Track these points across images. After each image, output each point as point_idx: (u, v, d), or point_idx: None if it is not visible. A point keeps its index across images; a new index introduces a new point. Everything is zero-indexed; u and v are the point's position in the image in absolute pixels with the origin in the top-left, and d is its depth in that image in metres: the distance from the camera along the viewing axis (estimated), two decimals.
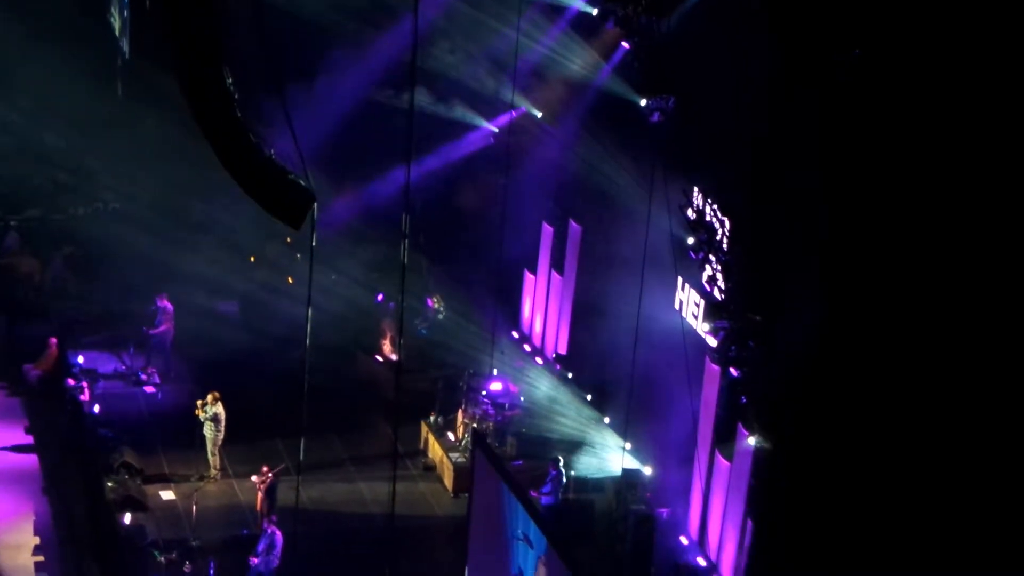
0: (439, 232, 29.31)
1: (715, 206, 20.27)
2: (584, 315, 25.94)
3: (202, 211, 29.38)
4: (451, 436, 24.53)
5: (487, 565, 20.13)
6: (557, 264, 27.44)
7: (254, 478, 22.13)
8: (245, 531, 21.75)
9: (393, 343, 27.19)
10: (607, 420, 24.47)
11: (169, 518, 22.20)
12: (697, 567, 21.32)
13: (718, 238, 20.18)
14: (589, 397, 25.36)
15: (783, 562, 18.56)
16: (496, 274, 24.56)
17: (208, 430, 23.31)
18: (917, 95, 15.99)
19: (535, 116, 27.15)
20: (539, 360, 27.52)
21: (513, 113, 26.13)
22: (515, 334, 28.41)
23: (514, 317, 28.74)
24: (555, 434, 24.38)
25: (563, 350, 27.25)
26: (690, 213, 20.68)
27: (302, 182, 12.60)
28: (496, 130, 28.83)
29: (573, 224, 26.65)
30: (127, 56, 30.82)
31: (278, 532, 20.39)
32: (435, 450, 24.62)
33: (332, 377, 24.17)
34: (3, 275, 29.58)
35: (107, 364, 26.74)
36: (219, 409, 23.25)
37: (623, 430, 22.59)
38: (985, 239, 15.62)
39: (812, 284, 17.94)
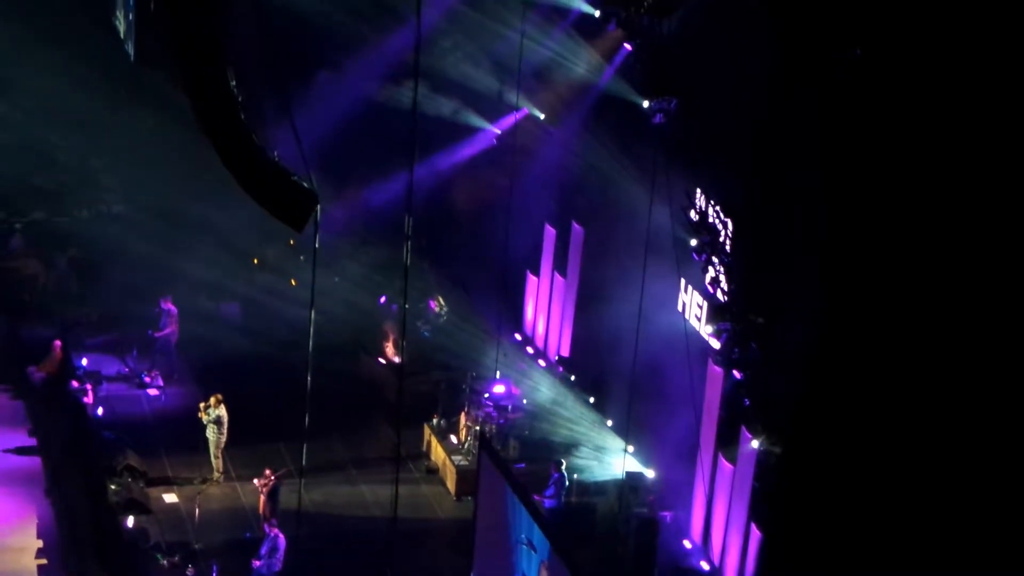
0: (441, 234, 29.30)
1: (718, 208, 20.26)
2: (587, 317, 25.92)
3: (205, 214, 29.36)
4: (454, 439, 24.51)
5: (492, 569, 20.10)
6: (560, 266, 27.42)
7: (256, 481, 22.13)
8: (248, 534, 21.75)
9: (396, 345, 27.17)
10: (610, 423, 24.44)
11: (172, 521, 22.20)
12: (700, 571, 21.29)
13: (721, 240, 20.17)
14: (592, 399, 25.34)
15: (790, 566, 18.55)
16: (499, 276, 24.55)
17: (211, 433, 23.31)
18: (916, 93, 15.99)
19: (538, 118, 27.14)
20: (541, 362, 27.50)
21: (516, 115, 26.12)
22: (518, 336, 28.40)
23: (517, 319, 28.73)
24: (557, 437, 24.35)
25: (566, 352, 27.23)
26: (693, 215, 20.67)
27: (305, 184, 12.61)
28: (499, 132, 28.83)
29: (576, 226, 26.63)
30: (132, 58, 30.82)
31: (281, 535, 20.38)
32: (438, 453, 24.60)
33: (335, 379, 24.09)
34: (7, 277, 29.62)
35: (111, 366, 26.75)
36: (222, 412, 23.26)
37: (625, 432, 22.57)
38: (986, 239, 15.61)
39: (814, 285, 17.94)
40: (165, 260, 28.54)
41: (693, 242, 20.60)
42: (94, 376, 25.85)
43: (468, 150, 29.48)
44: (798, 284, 18.54)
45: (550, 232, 27.71)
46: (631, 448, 23.10)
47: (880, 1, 16.45)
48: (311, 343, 13.97)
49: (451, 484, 23.89)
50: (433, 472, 24.49)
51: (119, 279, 28.68)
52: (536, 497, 21.40)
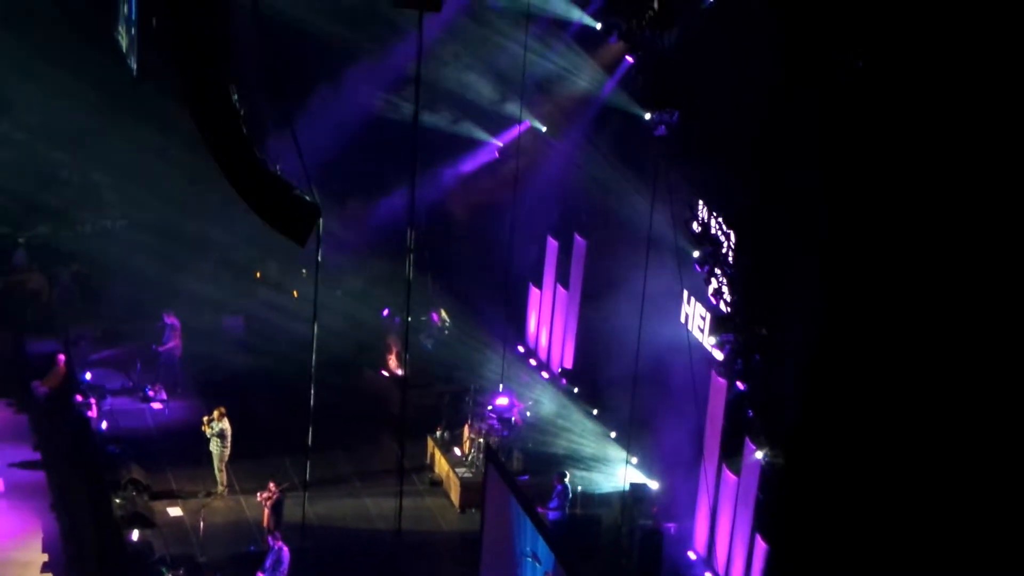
0: (444, 246, 29.33)
1: (720, 219, 20.28)
2: (590, 329, 25.93)
3: (207, 228, 29.42)
4: (457, 451, 24.51)
5: None
6: (562, 278, 27.43)
7: (258, 496, 22.16)
8: (252, 547, 21.73)
9: (399, 358, 27.18)
10: (613, 434, 24.43)
11: (176, 534, 22.19)
12: None
13: (723, 251, 20.18)
14: (595, 411, 25.33)
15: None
16: (503, 288, 24.55)
17: (214, 446, 23.32)
18: (918, 104, 16.00)
19: (540, 130, 27.18)
20: (544, 374, 27.50)
21: (518, 127, 26.16)
22: (520, 348, 28.40)
23: (519, 331, 28.73)
24: (561, 449, 24.34)
25: (568, 364, 27.22)
26: (695, 226, 20.68)
27: (307, 197, 12.62)
28: (501, 144, 28.88)
29: (578, 238, 26.66)
30: (134, 74, 30.91)
31: (285, 548, 20.38)
32: (441, 465, 24.60)
33: (338, 392, 24.14)
34: (11, 292, 29.68)
35: (114, 381, 26.76)
36: (225, 425, 23.27)
37: (629, 444, 22.57)
38: (990, 251, 15.61)
39: (817, 297, 17.94)
40: (168, 274, 28.59)
41: (696, 253, 20.61)
42: (98, 390, 25.86)
43: (470, 163, 29.54)
44: (801, 295, 18.54)
45: (552, 244, 27.73)
46: (634, 460, 23.09)
47: (879, 7, 16.47)
48: (314, 356, 13.99)
49: (455, 496, 23.88)
50: (437, 484, 24.48)
51: (122, 294, 28.73)
52: (540, 509, 21.38)
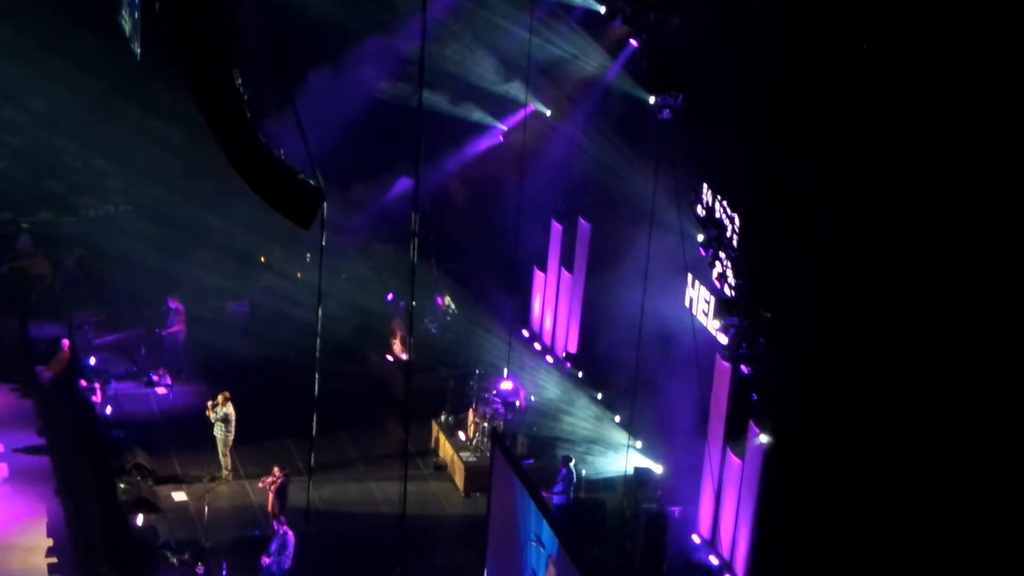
0: (448, 231, 29.30)
1: (724, 203, 20.23)
2: (594, 313, 25.91)
3: (211, 213, 29.42)
4: (462, 435, 24.52)
5: (504, 566, 20.11)
6: (567, 262, 27.41)
7: (260, 484, 22.22)
8: (257, 532, 21.78)
9: (403, 342, 27.18)
10: (617, 419, 24.43)
11: (181, 519, 22.23)
12: (710, 565, 21.28)
13: (728, 235, 20.14)
14: (599, 396, 25.33)
15: (788, 560, 18.54)
16: (507, 272, 24.52)
17: (219, 431, 23.33)
18: (920, 86, 15.97)
19: (544, 114, 27.13)
20: (549, 358, 27.50)
21: (523, 111, 26.13)
22: (525, 332, 28.40)
23: (524, 315, 28.72)
24: (565, 433, 24.35)
25: (573, 348, 27.21)
26: (700, 210, 20.64)
27: (311, 182, 12.60)
28: (505, 128, 28.83)
29: (582, 222, 26.62)
30: (138, 58, 30.86)
31: (290, 532, 20.40)
32: (446, 449, 24.62)
33: (342, 377, 24.13)
34: (15, 277, 29.70)
35: (119, 365, 26.77)
36: (230, 409, 23.28)
37: (633, 428, 22.57)
38: (988, 236, 15.58)
39: (822, 280, 17.92)
40: (172, 259, 28.59)
41: (700, 237, 20.57)
42: (102, 375, 25.87)
43: (474, 147, 29.49)
44: (806, 279, 18.52)
45: (557, 228, 27.71)
46: (638, 443, 23.09)
47: (881, 3, 16.45)
48: (318, 341, 13.98)
49: (459, 480, 23.90)
50: (441, 469, 24.51)
51: (126, 278, 28.74)
52: (544, 493, 21.40)
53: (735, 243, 20.07)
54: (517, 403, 24.55)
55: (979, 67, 15.38)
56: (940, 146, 15.86)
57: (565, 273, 27.47)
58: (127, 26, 31.92)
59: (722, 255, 20.21)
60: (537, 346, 28.13)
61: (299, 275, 29.30)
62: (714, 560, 21.23)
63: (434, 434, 25.08)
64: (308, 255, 29.08)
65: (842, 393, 17.52)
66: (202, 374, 26.68)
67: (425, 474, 24.27)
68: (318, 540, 20.77)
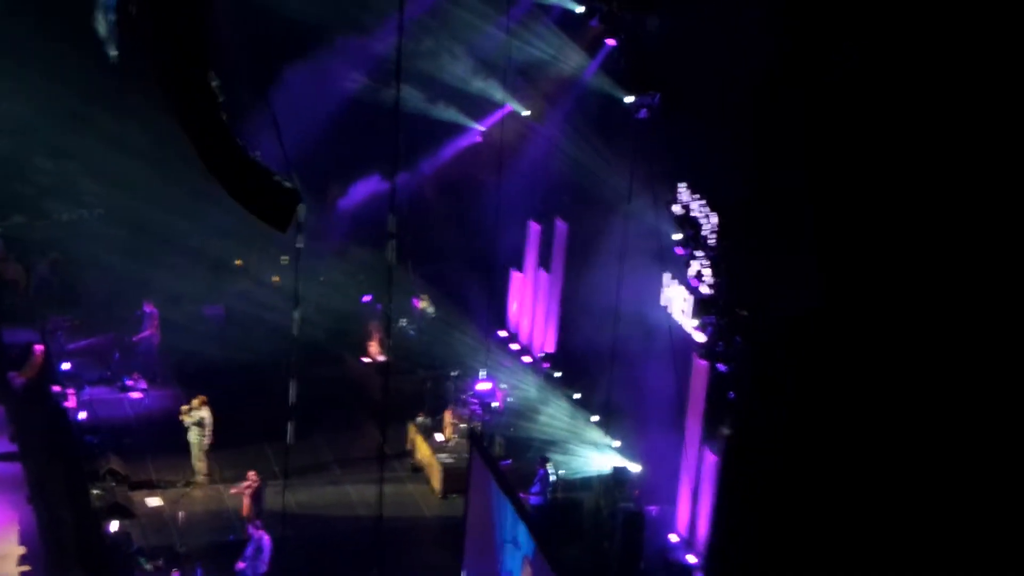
0: (425, 232, 29.23)
1: (701, 202, 20.23)
2: (571, 313, 25.89)
3: (187, 216, 29.25)
4: (439, 437, 24.44)
5: (481, 566, 20.07)
6: (544, 262, 27.37)
7: (233, 491, 22.11)
8: (232, 536, 21.63)
9: (380, 344, 27.09)
10: (595, 418, 24.41)
11: (155, 524, 22.07)
12: (687, 564, 21.27)
13: (704, 234, 20.14)
14: (577, 396, 25.30)
15: (759, 559, 18.54)
16: (484, 273, 24.44)
17: (194, 435, 23.19)
18: (903, 86, 15.98)
19: (521, 114, 27.09)
20: (526, 359, 27.45)
21: (500, 111, 26.10)
22: (502, 333, 28.34)
23: (501, 316, 28.67)
24: (543, 433, 24.32)
25: (550, 349, 27.19)
26: (676, 209, 20.63)
27: (287, 183, 12.49)
28: (483, 129, 28.77)
29: (559, 222, 26.59)
30: (113, 60, 30.64)
31: (266, 536, 20.28)
32: (423, 451, 24.53)
33: (319, 379, 24.06)
34: None
35: (92, 370, 26.60)
36: (205, 413, 23.13)
37: (610, 428, 22.55)
38: (973, 239, 15.60)
39: (799, 278, 17.93)
40: (146, 263, 28.42)
41: (677, 236, 20.55)
42: (76, 380, 25.70)
43: (451, 148, 29.44)
44: (783, 277, 18.53)
45: (534, 228, 27.67)
46: (615, 443, 23.06)
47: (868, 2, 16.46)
48: (295, 343, 13.89)
49: (436, 482, 23.82)
50: (418, 470, 24.43)
51: (100, 283, 28.54)
52: (522, 494, 21.36)
53: (711, 242, 20.07)
54: (494, 404, 24.51)
55: (967, 66, 15.38)
56: (921, 146, 15.87)
57: (543, 273, 27.44)
58: (102, 28, 31.62)
59: (699, 254, 20.21)
60: (514, 346, 28.09)
61: (276, 279, 29.15)
62: (691, 559, 21.22)
63: (410, 436, 24.99)
64: (284, 258, 28.95)
65: (821, 391, 17.52)
66: (177, 378, 26.52)
67: (402, 476, 24.19)
68: (294, 544, 20.67)
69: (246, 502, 21.78)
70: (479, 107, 28.18)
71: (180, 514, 21.53)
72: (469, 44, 27.06)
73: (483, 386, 24.58)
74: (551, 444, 23.88)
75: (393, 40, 24.55)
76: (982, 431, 15.36)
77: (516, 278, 28.41)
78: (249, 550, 20.27)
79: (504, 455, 23.78)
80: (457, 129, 29.02)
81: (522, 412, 24.92)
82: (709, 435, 20.93)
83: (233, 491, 22.34)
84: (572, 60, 24.73)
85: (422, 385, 25.61)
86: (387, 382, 23.40)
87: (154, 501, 22.73)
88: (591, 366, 24.22)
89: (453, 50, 27.45)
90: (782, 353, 18.44)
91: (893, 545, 16.21)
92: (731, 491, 19.54)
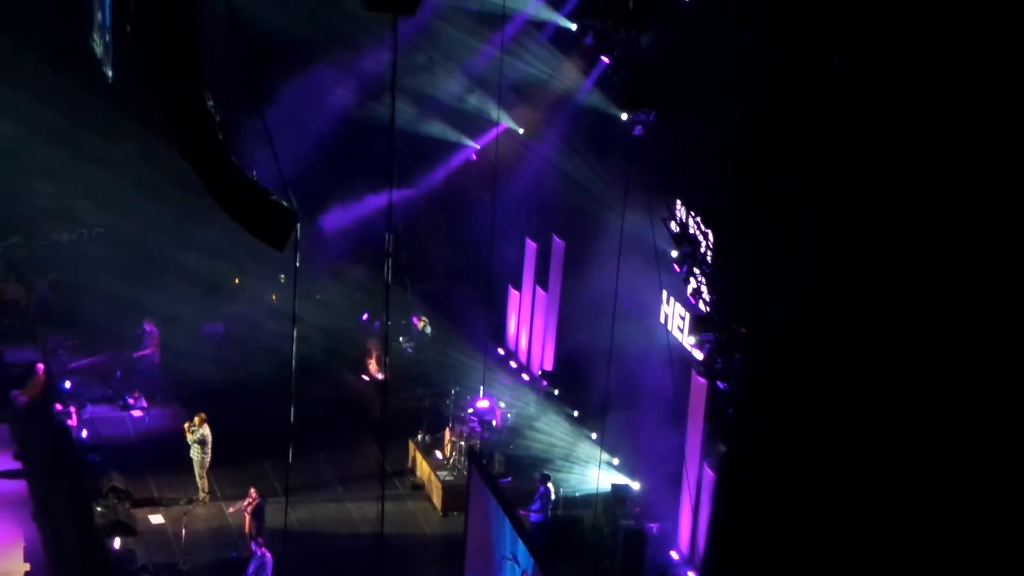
0: (422, 250, 29.32)
1: (698, 218, 20.32)
2: (569, 331, 25.95)
3: (185, 236, 29.36)
4: (439, 454, 24.50)
5: None
6: (541, 280, 27.45)
7: (231, 509, 22.18)
8: (234, 554, 21.70)
9: (379, 362, 27.17)
10: (594, 436, 24.46)
11: (158, 542, 22.13)
12: None
13: (702, 251, 20.22)
14: (575, 413, 25.36)
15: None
16: (482, 291, 24.49)
17: (195, 453, 23.26)
18: (900, 101, 16.06)
19: (517, 132, 27.19)
20: (525, 377, 27.51)
21: (495, 129, 26.19)
22: (500, 350, 28.41)
23: (499, 333, 28.74)
24: (542, 451, 24.37)
25: (549, 366, 27.24)
26: (673, 226, 20.72)
27: (284, 203, 12.61)
28: (478, 147, 28.88)
29: (556, 239, 26.68)
30: (110, 81, 30.79)
31: (268, 554, 20.35)
32: (423, 469, 24.59)
33: (319, 397, 24.15)
34: None
35: (94, 389, 26.67)
36: (206, 431, 23.21)
37: (610, 445, 22.59)
38: (976, 241, 15.64)
39: (797, 294, 17.98)
40: (145, 282, 28.52)
41: (674, 253, 20.65)
42: (78, 399, 25.78)
43: (447, 166, 29.54)
44: (780, 293, 18.59)
45: (531, 246, 27.75)
46: (615, 460, 23.11)
47: (863, 5, 16.52)
48: (294, 361, 13.98)
49: (437, 500, 23.87)
50: (419, 488, 24.48)
51: (99, 303, 28.63)
52: (522, 512, 21.40)
53: (709, 259, 20.14)
54: (493, 422, 24.55)
55: (964, 69, 15.44)
56: (915, 158, 15.93)
57: (540, 291, 27.52)
58: (98, 49, 31.83)
59: (696, 271, 20.29)
60: (513, 364, 28.15)
61: (274, 297, 29.24)
62: None
63: (411, 453, 25.05)
64: (282, 276, 29.04)
65: (819, 407, 17.57)
66: (177, 396, 26.60)
67: (402, 494, 24.24)
68: (296, 561, 20.71)
69: (247, 519, 21.85)
70: (474, 125, 28.27)
71: (183, 531, 21.59)
72: (464, 63, 27.17)
73: (482, 404, 24.62)
74: (551, 461, 23.94)
75: (386, 58, 24.64)
76: (982, 450, 15.39)
77: (514, 296, 28.49)
78: (251, 567, 20.35)
79: (504, 473, 23.82)
80: (452, 147, 29.12)
81: (521, 430, 24.96)
82: (709, 452, 20.97)
83: (231, 509, 22.42)
84: (567, 78, 24.84)
85: (421, 403, 25.67)
86: (386, 400, 23.46)
87: (157, 518, 22.81)
88: (590, 383, 24.27)
89: (447, 69, 27.57)
90: (780, 369, 18.50)
91: (891, 561, 16.24)
92: (728, 508, 19.58)
